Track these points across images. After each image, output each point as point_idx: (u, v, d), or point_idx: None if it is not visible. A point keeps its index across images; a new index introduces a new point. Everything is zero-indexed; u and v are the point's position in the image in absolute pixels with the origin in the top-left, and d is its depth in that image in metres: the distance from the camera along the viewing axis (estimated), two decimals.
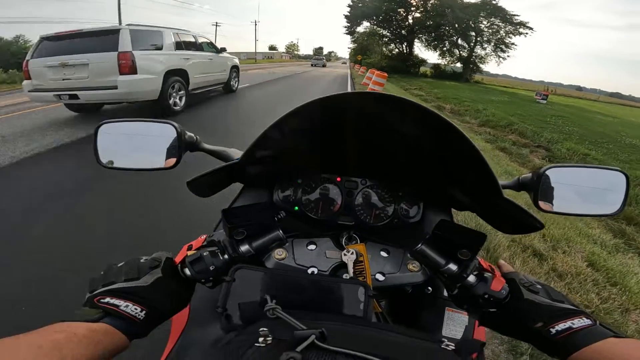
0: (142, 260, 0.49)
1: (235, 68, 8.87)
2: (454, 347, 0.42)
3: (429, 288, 0.69)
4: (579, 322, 0.43)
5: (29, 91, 5.18)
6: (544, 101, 17.57)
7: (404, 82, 23.37)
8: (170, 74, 5.54)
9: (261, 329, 0.37)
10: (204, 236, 0.62)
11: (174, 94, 5.79)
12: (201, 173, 0.56)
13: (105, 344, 0.38)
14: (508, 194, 0.57)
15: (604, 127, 11.58)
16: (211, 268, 0.53)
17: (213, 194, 0.66)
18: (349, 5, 41.50)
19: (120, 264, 0.49)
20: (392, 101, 0.50)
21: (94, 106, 5.87)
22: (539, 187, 0.58)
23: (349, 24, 43.77)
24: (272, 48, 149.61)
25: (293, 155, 0.68)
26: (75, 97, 4.78)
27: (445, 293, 0.67)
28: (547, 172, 0.59)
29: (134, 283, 0.45)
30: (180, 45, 6.14)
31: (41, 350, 0.32)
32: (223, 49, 8.17)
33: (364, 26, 43.87)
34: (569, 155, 6.62)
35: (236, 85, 9.33)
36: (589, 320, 0.43)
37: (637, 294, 2.18)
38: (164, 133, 0.61)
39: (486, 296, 0.53)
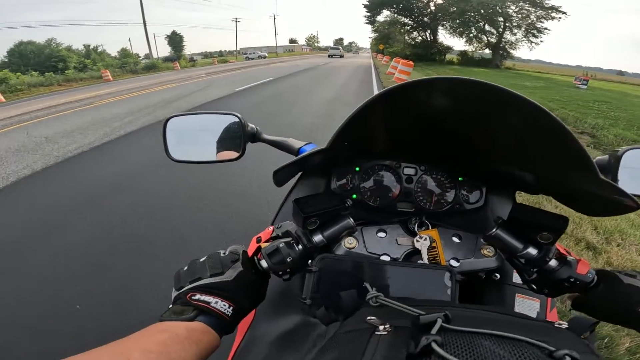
0: (222, 255, 0.49)
1: (341, 52, 47.76)
2: (567, 326, 0.40)
3: (497, 275, 0.67)
4: None
5: (329, 56, 43.22)
6: (585, 86, 16.39)
7: (430, 70, 22.63)
8: (339, 50, 47.38)
9: (369, 318, 0.36)
10: (271, 227, 0.62)
11: (339, 57, 42.42)
12: (289, 161, 0.55)
13: (203, 344, 0.38)
14: None
15: None
16: (288, 260, 0.51)
17: (285, 183, 0.65)
18: None
19: (203, 259, 0.48)
20: (470, 85, 0.46)
21: (334, 56, 42.80)
22: (619, 170, 0.56)
23: (369, 14, 42.89)
24: (292, 41, 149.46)
25: (357, 142, 0.66)
26: (336, 55, 42.01)
27: (515, 279, 0.66)
28: (626, 154, 0.56)
29: (219, 278, 0.45)
30: (348, 48, 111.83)
31: (152, 355, 0.32)
32: (348, 49, 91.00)
33: (384, 15, 42.87)
34: (617, 141, 6.20)
35: (344, 54, 50.68)
36: None
37: None
38: (227, 124, 0.61)
39: (572, 280, 0.51)
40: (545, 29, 34.61)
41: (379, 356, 0.29)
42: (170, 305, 0.44)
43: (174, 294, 0.45)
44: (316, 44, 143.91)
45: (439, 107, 0.53)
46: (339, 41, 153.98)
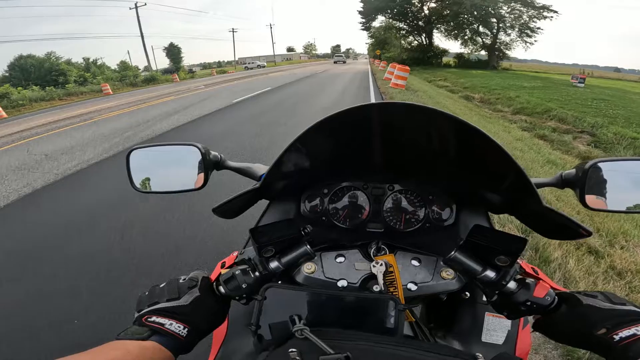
0: (181, 281, 0.52)
1: (344, 58, 63.76)
2: None
3: (467, 293, 0.67)
4: None
5: (334, 62, 53.13)
6: (582, 84, 16.47)
7: (427, 74, 22.77)
8: (343, 57, 62.94)
9: (290, 350, 0.38)
10: (236, 253, 0.63)
11: (342, 62, 52.19)
12: (226, 199, 0.57)
13: None
14: (550, 192, 0.52)
15: None
16: (243, 286, 0.54)
17: (240, 214, 0.67)
18: (362, 0, 41.10)
19: (162, 285, 0.52)
20: (414, 110, 0.49)
21: (339, 62, 53.82)
22: (585, 184, 0.54)
23: (364, 20, 43.39)
24: (289, 49, 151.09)
25: (317, 166, 0.68)
26: (340, 61, 53.81)
27: (485, 298, 0.65)
28: (594, 167, 0.55)
29: (175, 302, 0.48)
30: (346, 54, 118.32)
31: None
32: (347, 56, 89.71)
33: (379, 20, 43.36)
34: (617, 139, 6.23)
35: (346, 60, 63.03)
36: None
37: None
38: (189, 154, 0.62)
39: (528, 303, 0.51)
40: (539, 28, 35.00)
41: None
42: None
43: (136, 315, 0.48)
44: (314, 52, 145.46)
45: (378, 129, 0.55)
46: (336, 48, 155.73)
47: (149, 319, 0.45)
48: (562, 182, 0.59)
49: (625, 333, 0.41)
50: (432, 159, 0.63)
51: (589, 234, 0.51)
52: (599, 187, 0.55)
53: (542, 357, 1.55)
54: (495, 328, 0.66)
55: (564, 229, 0.54)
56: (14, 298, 2.02)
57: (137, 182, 0.63)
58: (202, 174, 0.60)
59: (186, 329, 0.46)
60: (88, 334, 1.70)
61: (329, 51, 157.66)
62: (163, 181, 0.64)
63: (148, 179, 0.63)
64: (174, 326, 0.45)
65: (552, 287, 0.53)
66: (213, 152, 0.64)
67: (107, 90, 19.26)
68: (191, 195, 0.65)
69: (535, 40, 35.81)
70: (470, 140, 0.50)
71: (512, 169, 0.48)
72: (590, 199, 0.55)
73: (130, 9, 36.86)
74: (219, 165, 0.65)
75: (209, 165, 0.61)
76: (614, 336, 0.42)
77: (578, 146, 5.81)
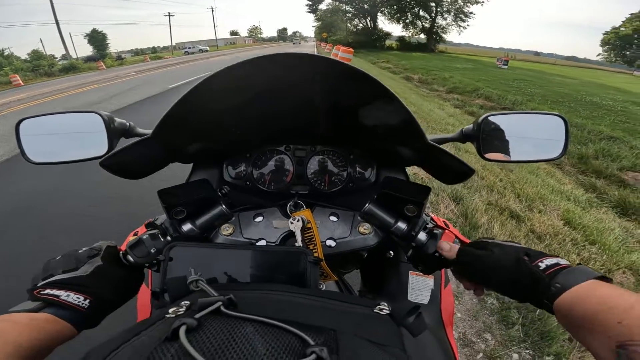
0: (80, 251, 0.49)
1: (300, 40, 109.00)
2: (388, 312, 0.40)
3: (390, 252, 0.66)
4: (563, 261, 0.41)
5: (293, 43, 75.44)
6: (505, 66, 18.15)
7: (371, 56, 23.24)
8: (299, 40, 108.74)
9: (183, 302, 0.37)
10: (149, 220, 0.60)
11: (298, 44, 64.87)
12: (113, 151, 0.53)
13: (48, 332, 0.39)
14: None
15: (564, 88, 12.06)
16: (152, 251, 0.51)
17: (147, 174, 0.62)
18: None
19: (58, 257, 0.49)
20: (307, 60, 0.47)
21: (296, 43, 78.57)
22: (480, 137, 0.58)
23: (310, 2, 42.69)
24: (233, 33, 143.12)
25: (229, 127, 0.63)
26: (297, 42, 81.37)
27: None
28: (486, 120, 0.58)
29: (72, 273, 0.46)
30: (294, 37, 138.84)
31: None
32: (302, 39, 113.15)
33: (326, 3, 43.16)
34: None
35: (300, 43, 72.97)
36: (566, 261, 0.42)
37: (617, 252, 2.15)
38: (90, 123, 0.57)
39: (437, 254, 0.51)
40: (471, 13, 37.90)
41: (146, 336, 0.30)
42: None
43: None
44: (259, 35, 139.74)
45: (271, 82, 0.52)
46: (282, 31, 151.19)
47: (41, 292, 0.42)
48: (463, 137, 0.61)
49: (549, 261, 0.41)
50: (338, 113, 0.61)
51: (472, 171, 0.54)
52: (493, 139, 0.58)
53: (482, 324, 1.62)
54: (420, 287, 0.65)
55: (456, 172, 0.57)
56: None
57: (31, 154, 0.58)
58: (105, 141, 0.56)
59: (88, 300, 0.44)
60: None
61: (275, 34, 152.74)
62: (61, 151, 0.59)
63: (43, 150, 0.59)
64: (71, 297, 0.43)
65: (457, 238, 0.54)
66: (119, 120, 0.59)
67: (17, 82, 16.68)
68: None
69: (468, 25, 38.94)
70: (362, 87, 0.50)
71: (395, 106, 0.48)
72: (487, 151, 0.58)
73: None
74: (127, 132, 0.60)
75: (114, 132, 0.57)
76: (539, 264, 0.41)
77: None
